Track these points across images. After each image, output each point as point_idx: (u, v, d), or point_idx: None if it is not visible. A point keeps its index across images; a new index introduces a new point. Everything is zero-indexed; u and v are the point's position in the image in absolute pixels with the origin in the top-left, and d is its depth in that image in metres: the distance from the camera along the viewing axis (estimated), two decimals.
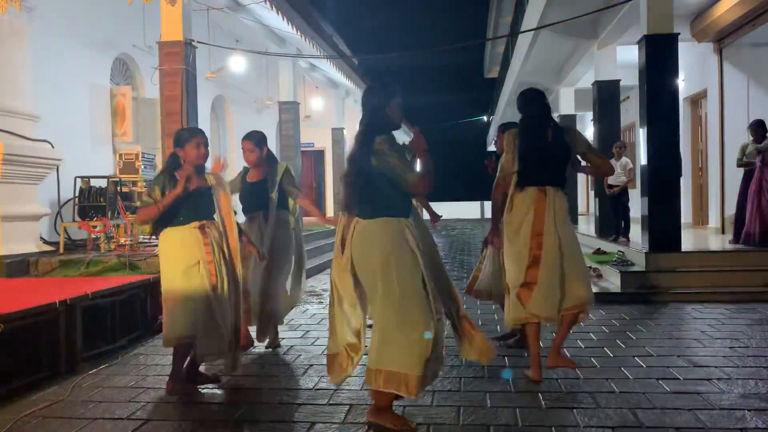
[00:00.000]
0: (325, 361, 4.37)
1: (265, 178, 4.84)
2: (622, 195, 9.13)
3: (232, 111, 14.59)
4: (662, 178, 7.39)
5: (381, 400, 3.15)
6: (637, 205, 8.08)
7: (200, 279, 3.80)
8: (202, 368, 4.12)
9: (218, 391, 3.89)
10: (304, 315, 6.25)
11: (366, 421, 3.24)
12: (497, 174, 4.09)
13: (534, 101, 4.02)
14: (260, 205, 4.83)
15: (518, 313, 3.91)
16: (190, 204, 3.88)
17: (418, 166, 3.17)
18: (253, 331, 4.85)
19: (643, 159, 7.67)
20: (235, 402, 3.68)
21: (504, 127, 4.86)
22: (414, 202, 3.36)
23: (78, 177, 8.03)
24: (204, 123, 11.08)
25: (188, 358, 3.90)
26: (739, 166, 8.28)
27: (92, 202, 7.86)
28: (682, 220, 7.81)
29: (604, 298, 6.66)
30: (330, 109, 17.07)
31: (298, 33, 10.62)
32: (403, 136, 15.22)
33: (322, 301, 7.08)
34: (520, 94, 4.13)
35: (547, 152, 3.91)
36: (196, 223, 3.88)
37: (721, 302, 6.35)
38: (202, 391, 3.89)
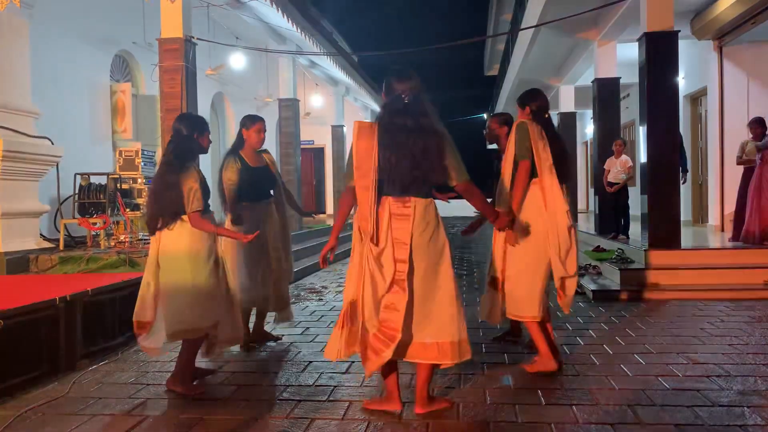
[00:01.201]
0: (324, 359, 4.40)
1: (266, 164, 4.89)
2: (622, 192, 9.13)
3: (232, 108, 14.59)
4: (662, 176, 7.39)
5: (428, 380, 3.30)
6: (636, 203, 8.08)
7: (221, 268, 3.90)
8: (202, 364, 4.13)
9: (218, 387, 3.89)
10: (304, 312, 6.25)
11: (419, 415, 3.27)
12: (518, 160, 3.97)
13: (547, 101, 4.17)
14: (268, 192, 4.90)
15: (542, 309, 3.93)
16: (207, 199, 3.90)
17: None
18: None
19: (642, 156, 7.67)
20: (235, 398, 3.68)
21: (498, 117, 4.85)
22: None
23: (78, 174, 8.03)
24: None
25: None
26: (738, 163, 8.29)
27: (92, 199, 7.87)
28: (682, 218, 7.81)
29: (604, 296, 6.67)
30: (330, 106, 17.06)
31: (298, 30, 10.62)
32: None
33: (321, 298, 7.08)
34: (536, 91, 4.19)
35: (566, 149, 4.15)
36: (209, 214, 3.90)
37: (720, 300, 6.36)
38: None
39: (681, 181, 8.90)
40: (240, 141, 4.81)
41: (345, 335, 3.18)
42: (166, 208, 3.77)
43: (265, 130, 4.86)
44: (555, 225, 3.91)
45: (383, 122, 3.19)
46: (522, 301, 3.96)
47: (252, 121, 4.81)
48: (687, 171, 9.03)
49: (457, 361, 3.19)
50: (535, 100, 4.10)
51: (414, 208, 3.14)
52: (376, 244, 3.12)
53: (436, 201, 3.36)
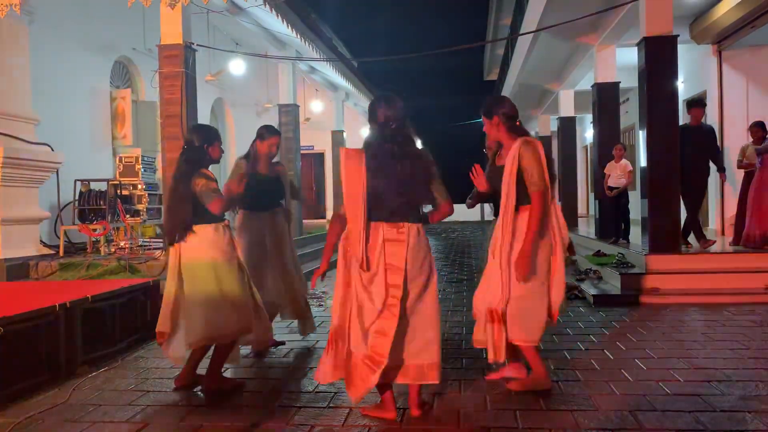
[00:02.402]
0: None
1: (277, 175, 4.94)
2: (622, 197, 9.13)
3: (232, 114, 14.61)
4: (662, 180, 7.39)
5: (420, 388, 3.40)
6: (636, 207, 8.08)
7: (245, 273, 4.03)
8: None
9: (218, 394, 3.88)
10: None
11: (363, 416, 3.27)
12: (533, 190, 3.56)
13: (515, 106, 3.88)
14: (277, 201, 4.95)
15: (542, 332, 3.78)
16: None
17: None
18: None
19: (642, 161, 7.67)
20: (236, 405, 3.67)
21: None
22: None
23: (78, 180, 8.04)
24: None
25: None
26: (739, 167, 8.28)
27: (92, 205, 7.88)
28: (682, 222, 7.81)
29: (604, 300, 6.66)
30: (330, 111, 17.08)
31: (298, 36, 10.64)
32: None
33: (321, 303, 7.07)
34: (500, 97, 4.02)
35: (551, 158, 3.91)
36: (226, 222, 4.02)
37: (721, 304, 6.34)
38: (202, 394, 3.88)
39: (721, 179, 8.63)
40: (254, 150, 4.87)
41: (331, 359, 3.26)
42: (179, 221, 3.86)
43: (279, 145, 4.94)
44: (558, 246, 3.69)
45: (370, 150, 3.23)
46: (522, 327, 3.67)
47: (270, 134, 4.86)
48: (724, 170, 8.46)
49: (435, 382, 3.28)
50: (503, 106, 3.75)
51: (408, 233, 3.18)
52: (367, 270, 3.15)
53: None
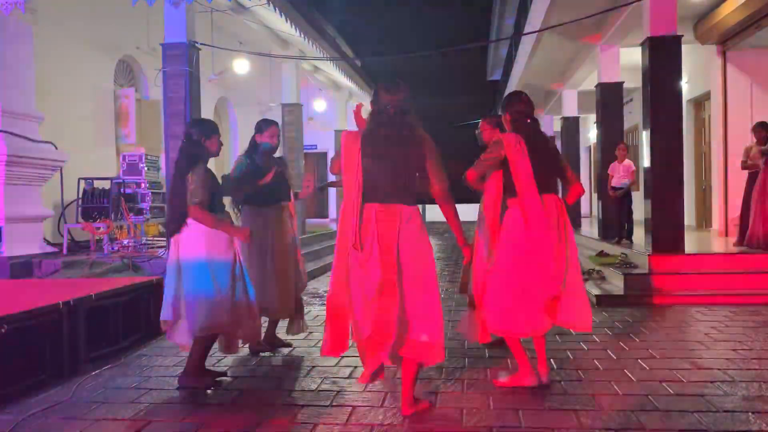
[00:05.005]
0: (327, 363, 4.40)
1: (279, 169, 4.88)
2: (625, 197, 9.12)
3: (236, 113, 14.63)
4: (665, 181, 7.38)
5: (414, 382, 3.41)
6: (640, 208, 8.06)
7: (239, 268, 4.06)
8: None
9: (221, 392, 3.89)
10: (307, 316, 6.23)
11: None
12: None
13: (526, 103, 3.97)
14: (282, 196, 4.87)
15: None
16: (217, 198, 4.03)
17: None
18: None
19: (646, 161, 7.66)
20: (238, 403, 3.68)
21: (491, 120, 4.67)
22: None
23: (81, 178, 8.06)
24: None
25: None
26: (743, 168, 8.26)
27: (96, 203, 7.89)
28: (685, 223, 7.79)
29: (607, 301, 6.65)
30: (333, 110, 17.08)
31: (301, 35, 10.64)
32: None
33: (324, 303, 7.06)
34: (516, 93, 4.01)
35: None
36: (219, 213, 4.06)
37: (724, 304, 6.34)
38: (205, 392, 3.89)
39: None
40: (253, 144, 4.83)
41: (330, 335, 3.34)
42: (174, 213, 3.95)
43: (278, 135, 4.89)
44: None
45: (367, 133, 3.32)
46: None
47: (266, 126, 4.84)
48: None
49: (440, 362, 3.35)
50: (511, 104, 3.88)
51: (400, 215, 3.24)
52: (361, 250, 3.22)
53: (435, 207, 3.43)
